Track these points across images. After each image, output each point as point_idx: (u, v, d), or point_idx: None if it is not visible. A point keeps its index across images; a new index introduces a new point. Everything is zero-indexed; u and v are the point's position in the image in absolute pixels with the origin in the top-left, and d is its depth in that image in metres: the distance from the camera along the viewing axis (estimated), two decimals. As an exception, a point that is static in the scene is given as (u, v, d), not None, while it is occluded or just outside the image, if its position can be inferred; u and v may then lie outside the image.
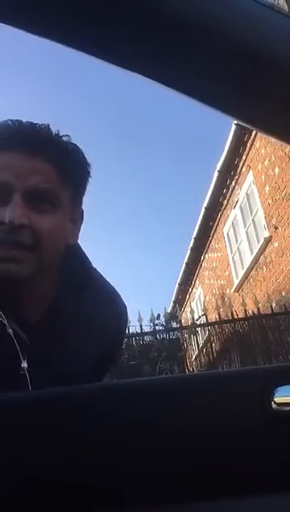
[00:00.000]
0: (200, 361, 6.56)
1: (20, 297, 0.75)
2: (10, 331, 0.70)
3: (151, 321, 6.67)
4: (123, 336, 0.98)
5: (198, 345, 6.61)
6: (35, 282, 0.73)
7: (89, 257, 0.86)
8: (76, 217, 0.81)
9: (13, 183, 0.70)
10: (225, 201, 9.10)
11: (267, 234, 7.32)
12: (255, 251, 7.74)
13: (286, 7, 0.43)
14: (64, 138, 0.77)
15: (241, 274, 8.50)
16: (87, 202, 0.83)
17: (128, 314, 0.97)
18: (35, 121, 0.75)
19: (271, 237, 7.21)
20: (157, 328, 6.72)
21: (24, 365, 0.70)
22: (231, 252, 9.12)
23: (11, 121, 0.74)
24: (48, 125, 0.76)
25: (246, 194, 8.19)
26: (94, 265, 0.87)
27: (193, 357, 6.71)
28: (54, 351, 0.75)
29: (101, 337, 0.82)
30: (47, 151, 0.73)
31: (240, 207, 8.53)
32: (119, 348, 0.91)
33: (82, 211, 0.82)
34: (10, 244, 0.68)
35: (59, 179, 0.73)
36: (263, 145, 7.37)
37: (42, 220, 0.70)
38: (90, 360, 0.80)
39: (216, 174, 8.67)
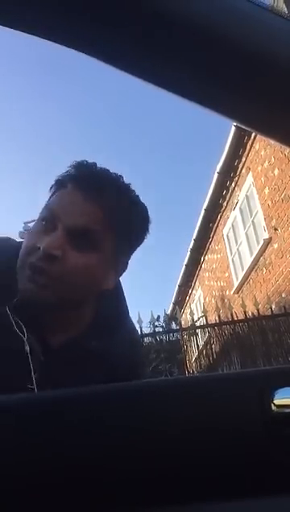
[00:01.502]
0: (199, 362, 6.56)
1: (44, 320, 0.80)
2: (27, 348, 0.75)
3: (150, 323, 6.68)
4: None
5: (198, 347, 6.61)
6: (60, 311, 0.79)
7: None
8: (118, 266, 0.85)
9: (60, 217, 0.76)
10: (225, 203, 9.11)
11: (266, 236, 7.32)
12: (255, 253, 7.75)
13: (285, 9, 0.43)
14: (130, 192, 0.83)
15: (241, 275, 8.51)
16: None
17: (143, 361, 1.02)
18: (110, 169, 0.82)
19: (270, 238, 7.22)
20: (157, 329, 6.72)
21: (33, 381, 0.74)
22: (231, 253, 9.12)
23: (86, 161, 0.82)
24: (121, 175, 0.83)
25: (246, 196, 8.20)
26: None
27: (193, 359, 6.71)
28: (64, 377, 0.77)
29: (113, 379, 0.84)
30: (104, 198, 0.78)
31: (240, 208, 8.53)
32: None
33: (127, 262, 0.87)
34: (39, 268, 0.74)
35: (106, 227, 0.78)
36: (262, 147, 7.39)
37: (75, 256, 0.75)
38: None
39: (215, 175, 8.68)
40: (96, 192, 0.77)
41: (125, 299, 0.91)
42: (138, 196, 0.84)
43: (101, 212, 0.77)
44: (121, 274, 0.87)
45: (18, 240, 0.87)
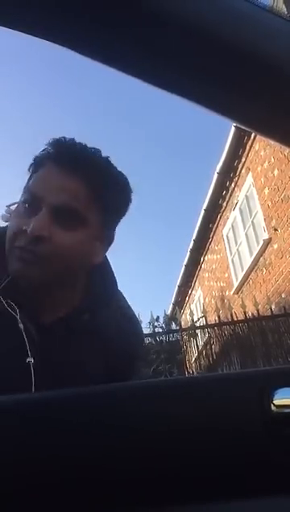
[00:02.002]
0: (199, 363, 6.56)
1: (36, 299, 0.80)
2: (21, 326, 0.76)
3: (150, 323, 6.67)
4: (135, 360, 1.00)
5: (198, 347, 6.60)
6: (52, 289, 0.80)
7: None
8: (105, 239, 0.85)
9: (44, 197, 0.76)
10: (225, 203, 9.11)
11: (266, 236, 7.32)
12: (255, 253, 7.75)
13: (285, 10, 0.43)
14: (109, 164, 0.83)
15: (240, 276, 8.51)
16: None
17: (143, 340, 1.04)
18: (89, 145, 0.82)
19: (270, 238, 7.22)
20: (157, 330, 6.72)
21: (30, 359, 0.74)
22: (231, 254, 9.12)
23: (64, 138, 0.81)
24: (99, 150, 0.82)
25: (246, 196, 8.20)
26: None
27: (193, 360, 6.71)
28: (61, 353, 0.78)
29: (111, 355, 0.84)
30: (85, 173, 0.77)
31: (239, 209, 8.53)
32: (130, 370, 0.93)
33: (113, 234, 0.87)
34: (29, 250, 0.75)
35: (90, 201, 0.78)
36: (262, 147, 7.39)
37: (62, 235, 0.76)
38: (96, 372, 0.82)
39: (215, 176, 8.68)
40: (76, 168, 0.77)
41: (113, 272, 0.91)
42: (117, 168, 0.83)
43: (83, 188, 0.77)
44: (108, 247, 0.87)
45: (2, 224, 0.86)
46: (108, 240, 0.86)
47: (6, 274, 0.77)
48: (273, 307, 6.69)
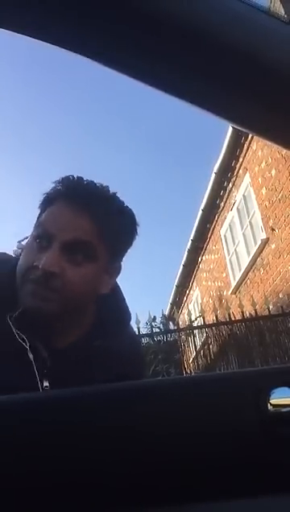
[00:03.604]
0: (197, 363, 6.56)
1: (49, 329, 0.83)
2: (31, 356, 0.78)
3: (148, 323, 6.67)
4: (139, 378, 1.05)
5: (195, 347, 6.60)
6: (64, 319, 0.83)
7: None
8: (113, 271, 0.90)
9: (55, 234, 0.80)
10: (223, 203, 9.12)
11: (264, 236, 7.33)
12: (252, 253, 7.75)
13: (282, 11, 0.44)
14: (117, 201, 0.87)
15: (238, 275, 8.51)
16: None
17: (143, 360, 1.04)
18: (97, 181, 0.86)
19: (268, 238, 7.23)
20: (154, 330, 6.71)
21: (46, 383, 0.78)
22: (228, 254, 9.13)
23: (72, 176, 0.86)
24: (107, 186, 0.87)
25: (243, 196, 8.21)
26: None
27: (191, 360, 6.71)
28: (74, 376, 0.80)
29: (119, 377, 0.85)
30: (94, 210, 0.81)
31: (237, 209, 8.54)
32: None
33: (120, 266, 0.91)
34: (41, 286, 0.78)
35: (98, 237, 0.82)
36: (259, 147, 7.39)
37: (72, 270, 0.80)
38: None
39: (213, 176, 8.68)
40: (85, 205, 0.81)
41: (124, 299, 0.95)
42: (124, 203, 0.88)
43: (92, 225, 0.81)
44: (116, 277, 0.91)
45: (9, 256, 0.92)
46: (116, 271, 0.90)
47: (17, 305, 0.80)
48: (271, 306, 6.69)
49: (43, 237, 0.81)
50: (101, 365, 0.84)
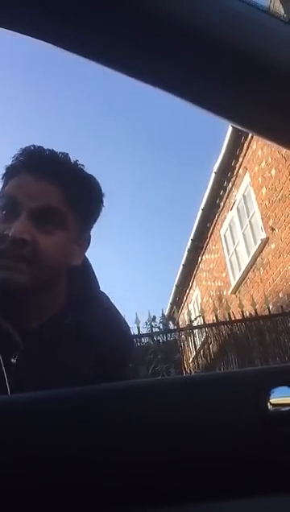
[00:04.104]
0: (197, 362, 6.56)
1: (20, 304, 0.80)
2: (4, 330, 0.75)
3: (147, 323, 6.67)
4: (125, 360, 0.99)
5: (195, 347, 6.61)
6: (35, 294, 0.79)
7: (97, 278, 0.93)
8: (83, 241, 0.87)
9: (22, 202, 0.77)
10: (222, 203, 9.12)
11: (264, 236, 7.33)
12: (252, 253, 7.76)
13: (282, 11, 0.44)
14: (80, 168, 0.85)
15: (238, 275, 8.52)
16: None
17: (133, 341, 1.02)
18: (57, 150, 0.84)
19: (268, 238, 7.23)
20: (154, 329, 6.72)
21: (13, 360, 0.74)
22: (228, 253, 9.13)
23: (33, 146, 0.84)
24: (67, 153, 0.85)
25: (243, 196, 8.21)
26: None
27: (191, 359, 6.71)
28: (45, 357, 0.77)
29: (99, 356, 0.83)
30: (59, 177, 0.80)
31: (237, 208, 8.54)
32: (121, 370, 0.92)
33: (89, 236, 0.89)
34: (11, 255, 0.75)
35: (66, 204, 0.80)
36: (259, 147, 7.39)
37: (44, 238, 0.77)
38: (85, 375, 0.80)
39: (213, 175, 8.69)
40: (51, 172, 0.80)
41: (94, 273, 0.92)
42: (86, 171, 0.86)
43: (59, 191, 0.79)
44: (86, 249, 0.89)
45: None
46: (85, 242, 0.88)
47: None
48: (270, 306, 6.70)
49: (9, 206, 0.78)
50: (76, 346, 0.80)
